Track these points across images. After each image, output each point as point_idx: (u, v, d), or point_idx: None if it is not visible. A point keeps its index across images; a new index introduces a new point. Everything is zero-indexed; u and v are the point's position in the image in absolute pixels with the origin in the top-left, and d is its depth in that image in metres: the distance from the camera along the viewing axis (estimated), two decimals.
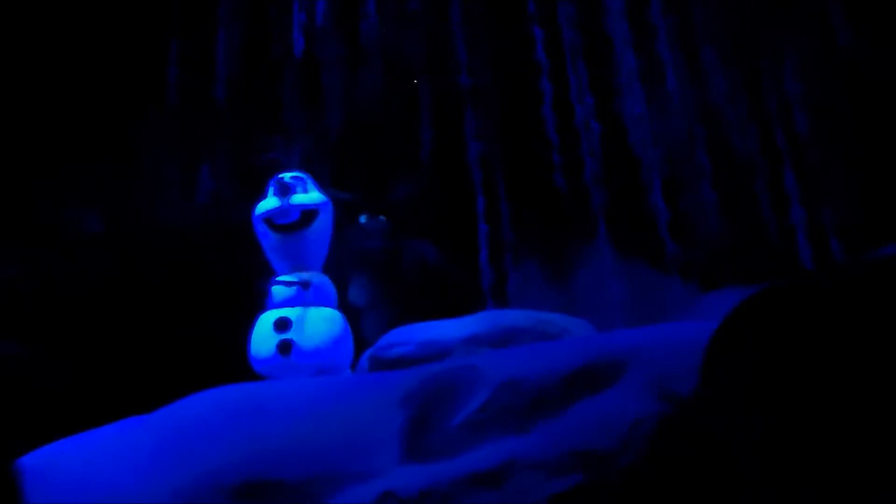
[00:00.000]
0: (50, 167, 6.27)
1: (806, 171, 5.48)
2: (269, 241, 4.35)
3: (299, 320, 4.07)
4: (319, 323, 4.10)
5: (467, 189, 6.38)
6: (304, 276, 4.21)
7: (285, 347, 4.00)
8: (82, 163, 6.40)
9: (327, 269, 4.63)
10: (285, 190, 4.23)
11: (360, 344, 4.51)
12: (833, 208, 5.35)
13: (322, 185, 4.47)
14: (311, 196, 4.32)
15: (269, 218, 4.30)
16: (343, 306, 4.39)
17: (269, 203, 4.31)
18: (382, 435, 2.84)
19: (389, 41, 6.60)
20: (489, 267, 6.16)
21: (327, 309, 4.21)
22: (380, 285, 6.40)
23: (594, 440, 2.56)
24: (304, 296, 4.19)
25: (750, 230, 5.61)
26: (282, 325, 4.05)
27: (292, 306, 4.16)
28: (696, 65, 5.72)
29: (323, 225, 4.35)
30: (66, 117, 6.28)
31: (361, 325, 5.23)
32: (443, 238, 6.54)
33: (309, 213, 4.29)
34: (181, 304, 6.13)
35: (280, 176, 4.33)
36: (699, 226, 5.64)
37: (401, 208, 6.62)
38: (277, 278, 4.26)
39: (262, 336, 4.09)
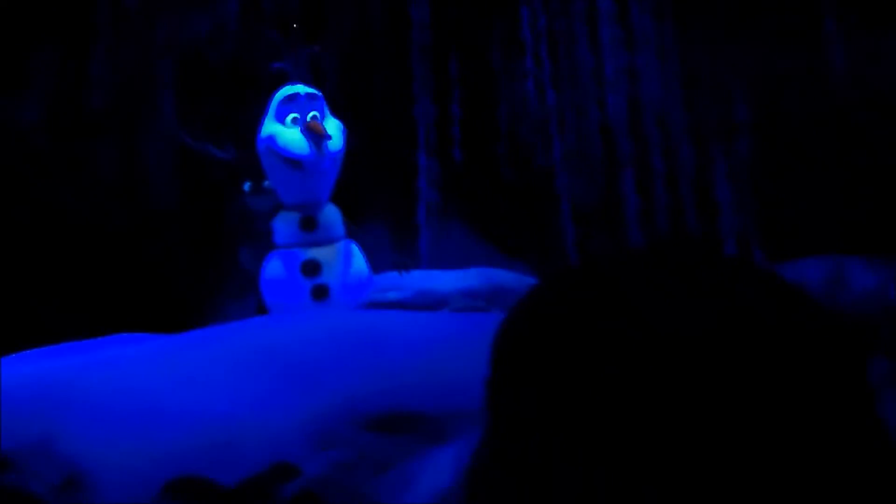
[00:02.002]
0: None
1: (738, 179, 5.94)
2: (280, 173, 3.98)
3: (327, 261, 3.82)
4: (348, 261, 3.87)
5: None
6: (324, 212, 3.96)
7: (321, 292, 3.74)
8: None
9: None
10: (318, 140, 3.80)
11: None
12: (762, 218, 5.82)
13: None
14: (338, 136, 3.93)
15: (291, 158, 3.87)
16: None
17: (295, 143, 3.85)
18: None
19: None
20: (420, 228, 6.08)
21: (346, 243, 3.97)
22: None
23: None
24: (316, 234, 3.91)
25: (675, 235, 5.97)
26: (311, 268, 3.78)
27: (306, 244, 3.88)
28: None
29: (342, 157, 4.02)
30: None
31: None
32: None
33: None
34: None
35: (307, 112, 3.85)
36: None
37: None
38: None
39: (287, 281, 3.79)
